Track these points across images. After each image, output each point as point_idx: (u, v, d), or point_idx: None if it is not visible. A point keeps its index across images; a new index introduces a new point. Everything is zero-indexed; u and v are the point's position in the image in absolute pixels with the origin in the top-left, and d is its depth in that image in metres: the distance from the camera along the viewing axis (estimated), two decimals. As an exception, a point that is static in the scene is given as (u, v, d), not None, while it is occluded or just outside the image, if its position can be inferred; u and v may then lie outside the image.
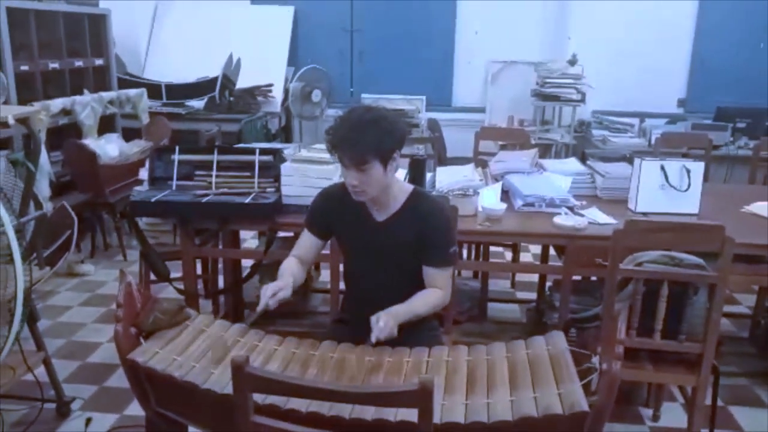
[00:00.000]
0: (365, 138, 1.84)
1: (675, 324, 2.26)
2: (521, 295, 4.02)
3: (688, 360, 2.33)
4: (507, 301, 3.93)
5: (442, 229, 2.03)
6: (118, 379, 2.93)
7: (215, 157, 2.91)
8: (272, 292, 1.86)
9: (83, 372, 3.06)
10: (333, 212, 2.08)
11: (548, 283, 3.51)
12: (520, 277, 4.19)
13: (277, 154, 2.93)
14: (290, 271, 2.01)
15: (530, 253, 4.65)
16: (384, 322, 1.81)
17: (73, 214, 3.75)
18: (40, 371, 2.61)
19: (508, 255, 4.44)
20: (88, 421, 2.62)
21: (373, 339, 1.79)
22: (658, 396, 2.76)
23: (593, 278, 3.28)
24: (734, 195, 3.32)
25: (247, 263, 3.47)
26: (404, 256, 2.02)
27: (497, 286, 4.07)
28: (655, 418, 2.75)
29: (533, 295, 3.72)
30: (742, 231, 2.44)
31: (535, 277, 3.81)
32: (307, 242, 2.12)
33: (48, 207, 3.70)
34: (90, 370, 3.08)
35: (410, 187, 2.08)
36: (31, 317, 2.57)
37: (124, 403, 2.75)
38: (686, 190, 2.88)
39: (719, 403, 2.52)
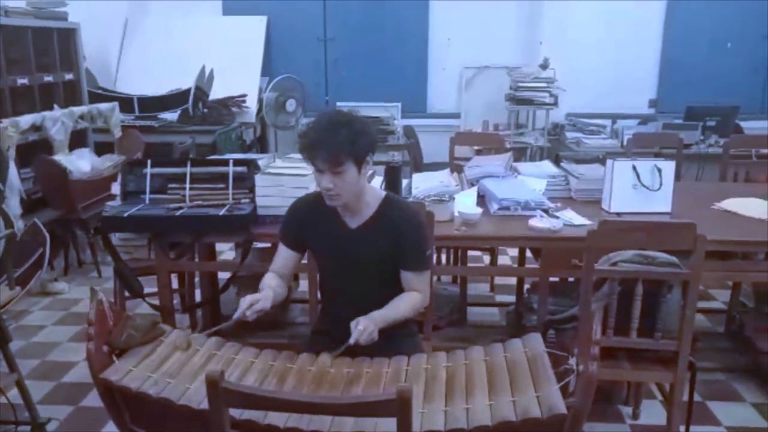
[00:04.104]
0: (339, 138, 1.84)
1: (651, 322, 2.28)
2: (500, 298, 4.04)
3: (665, 357, 2.35)
4: (486, 305, 3.94)
5: (417, 234, 2.03)
6: (95, 399, 2.82)
7: (188, 170, 2.87)
8: (249, 303, 1.85)
9: (58, 392, 3.00)
10: (305, 223, 2.07)
11: (526, 286, 3.53)
12: (499, 280, 4.20)
13: (251, 164, 2.90)
14: (270, 284, 2.00)
15: (508, 256, 4.67)
16: (364, 325, 1.81)
17: (45, 231, 3.68)
18: (14, 393, 2.55)
19: (486, 259, 4.46)
20: (65, 442, 2.58)
21: (352, 341, 1.78)
22: (637, 394, 2.79)
23: (570, 279, 3.30)
24: (706, 192, 3.37)
25: (224, 275, 3.43)
26: (379, 263, 2.01)
27: (476, 290, 4.08)
28: (635, 415, 2.77)
29: (512, 298, 3.74)
30: (714, 228, 2.48)
31: (513, 280, 3.82)
32: (284, 256, 2.11)
33: (19, 225, 3.63)
34: (65, 390, 3.02)
35: (383, 193, 2.08)
36: (2, 338, 2.51)
37: (100, 423, 2.70)
38: (658, 189, 2.90)
39: (697, 398, 2.55)
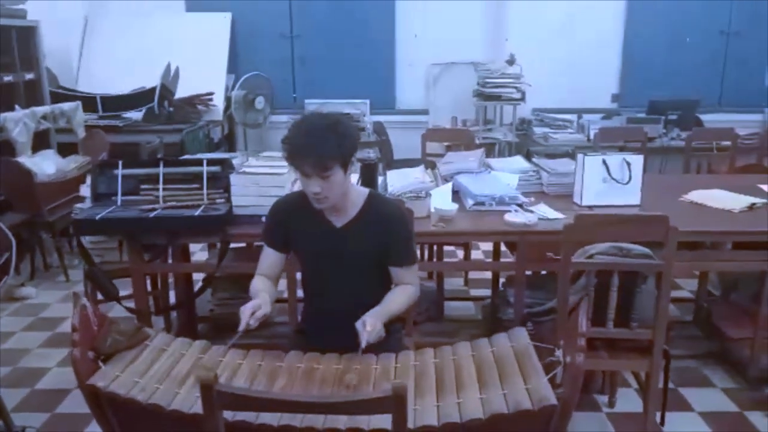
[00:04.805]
0: (326, 144, 1.83)
1: (626, 312, 2.34)
2: (475, 292, 4.08)
3: (640, 346, 2.41)
4: (462, 299, 3.98)
5: (405, 229, 2.06)
6: (71, 405, 2.82)
7: (161, 170, 2.83)
8: (251, 311, 1.83)
9: (33, 399, 2.94)
10: (289, 223, 2.06)
11: (501, 279, 3.57)
12: (473, 274, 4.25)
13: (225, 164, 2.87)
14: (263, 288, 1.99)
15: (480, 250, 4.72)
16: (371, 325, 1.81)
17: (10, 235, 3.58)
18: (-14, 403, 2.49)
19: (460, 253, 4.50)
20: (41, 450, 2.52)
21: (363, 344, 1.77)
22: (612, 383, 2.85)
23: (543, 272, 3.35)
24: (671, 184, 3.46)
25: (198, 276, 3.39)
26: (365, 260, 2.02)
27: (451, 285, 4.11)
28: (611, 404, 2.84)
29: (487, 292, 3.78)
30: (684, 219, 2.54)
31: (486, 274, 3.86)
32: (270, 258, 2.10)
33: (-17, 230, 3.52)
34: (40, 396, 2.95)
35: (366, 191, 2.09)
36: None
37: (78, 428, 2.65)
38: (628, 183, 2.97)
39: (671, 385, 2.61)
